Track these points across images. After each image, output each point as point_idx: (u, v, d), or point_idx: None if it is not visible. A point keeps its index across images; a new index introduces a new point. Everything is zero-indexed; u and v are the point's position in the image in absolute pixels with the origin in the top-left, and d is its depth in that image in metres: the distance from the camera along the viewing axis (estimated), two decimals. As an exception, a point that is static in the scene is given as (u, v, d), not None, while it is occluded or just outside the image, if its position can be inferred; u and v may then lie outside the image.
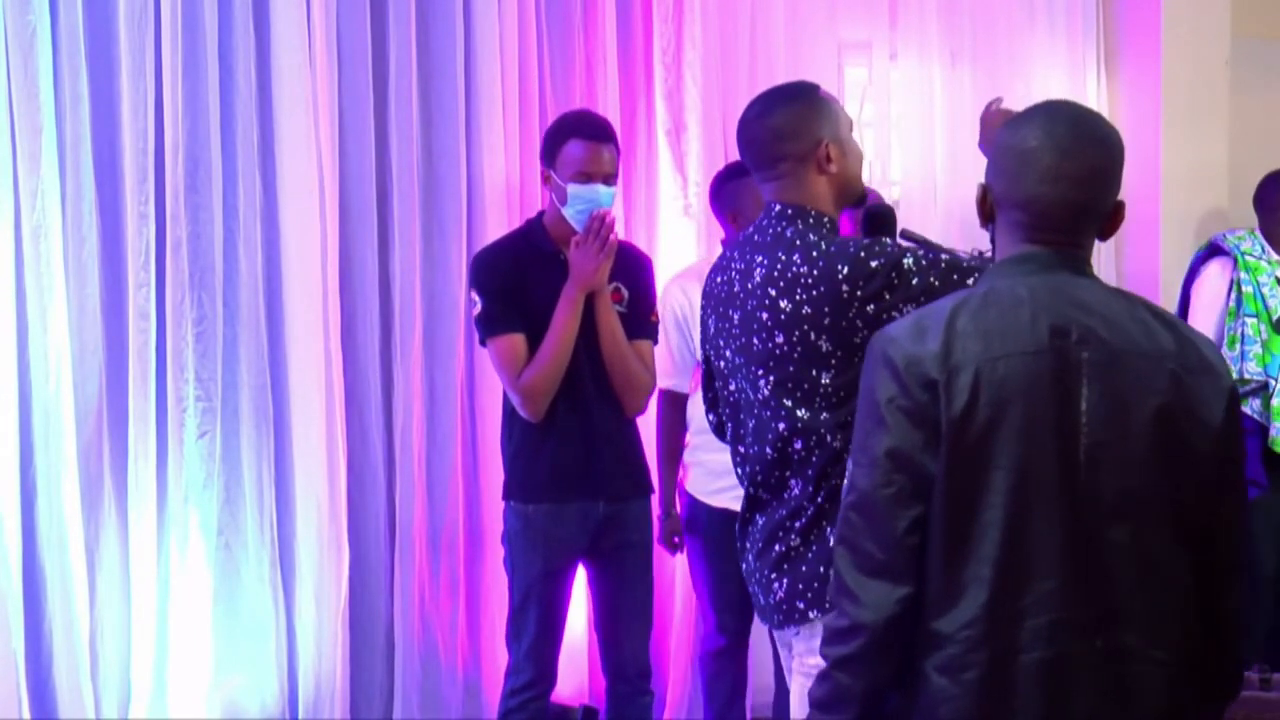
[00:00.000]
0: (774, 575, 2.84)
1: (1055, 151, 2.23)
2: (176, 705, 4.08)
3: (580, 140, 3.88)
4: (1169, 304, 5.30)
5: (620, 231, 4.72)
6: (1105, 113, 5.88)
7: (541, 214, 4.04)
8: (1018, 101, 3.07)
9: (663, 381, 4.30)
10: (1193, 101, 5.89)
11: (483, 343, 3.97)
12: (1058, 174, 2.23)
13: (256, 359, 4.19)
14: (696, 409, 4.27)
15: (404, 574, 4.40)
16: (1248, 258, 5.13)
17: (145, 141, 4.03)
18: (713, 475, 4.25)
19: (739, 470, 2.94)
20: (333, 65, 4.31)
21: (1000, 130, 2.32)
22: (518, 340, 3.88)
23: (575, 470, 3.93)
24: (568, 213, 3.89)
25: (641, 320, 4.05)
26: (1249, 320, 5.06)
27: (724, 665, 4.40)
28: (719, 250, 4.31)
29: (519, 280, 3.91)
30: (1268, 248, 5.20)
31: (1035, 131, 2.25)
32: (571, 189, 3.86)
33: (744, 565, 2.94)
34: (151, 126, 4.04)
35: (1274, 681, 4.86)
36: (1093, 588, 2.13)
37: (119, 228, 4.04)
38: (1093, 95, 5.85)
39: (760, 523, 2.86)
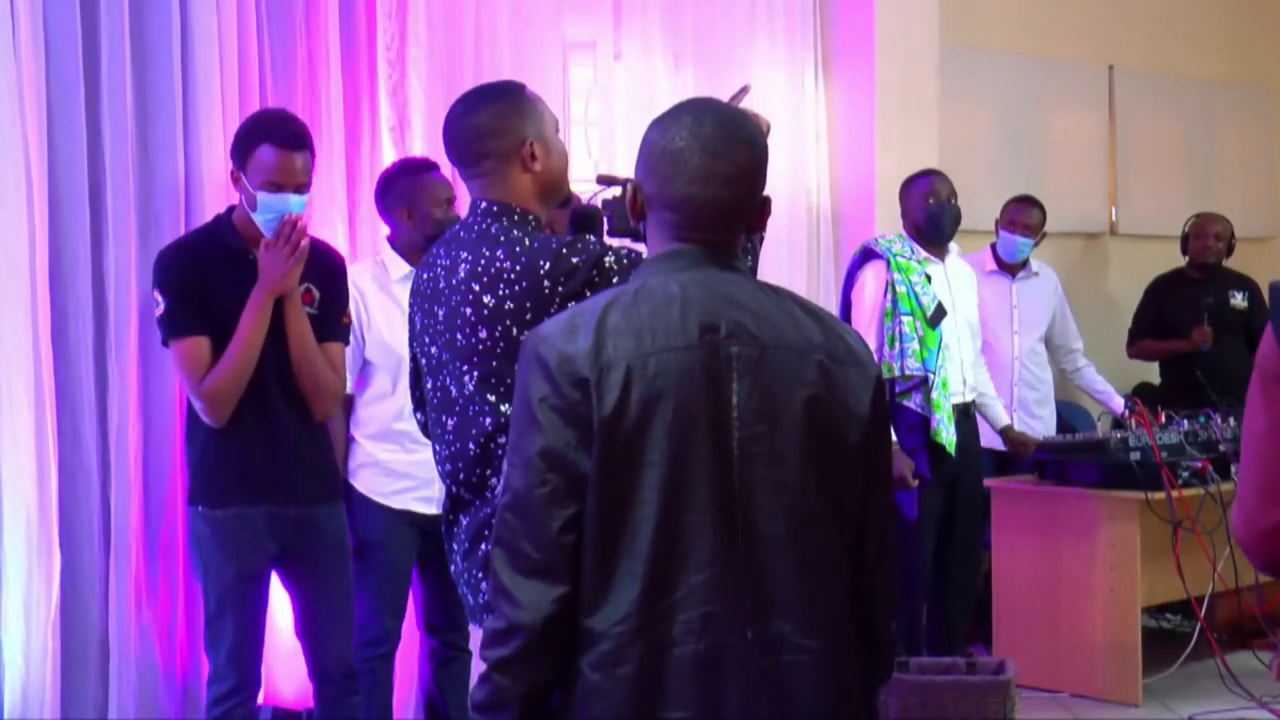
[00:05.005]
0: (482, 575, 2.85)
1: (704, 153, 2.26)
2: None
3: (273, 147, 3.80)
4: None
5: (341, 231, 4.71)
6: (823, 116, 6.07)
7: (232, 209, 3.95)
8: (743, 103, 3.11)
9: None
10: (905, 106, 6.11)
11: (165, 344, 3.89)
12: (707, 175, 2.26)
13: (-42, 359, 4.03)
14: (369, 410, 4.31)
15: (119, 579, 4.28)
16: (899, 259, 5.36)
17: None
18: (391, 475, 4.26)
19: (441, 469, 2.94)
20: (40, 54, 4.16)
21: (649, 129, 2.34)
22: (201, 343, 3.81)
23: (261, 474, 3.87)
24: (257, 219, 3.82)
25: (332, 322, 4.01)
26: (905, 319, 5.30)
27: (385, 670, 4.36)
28: (387, 249, 4.37)
29: (203, 280, 3.83)
30: (916, 248, 5.43)
31: (683, 132, 2.28)
32: (262, 197, 3.79)
33: (452, 567, 2.95)
34: None
35: (980, 665, 5.11)
36: (746, 579, 2.16)
37: None
38: (810, 99, 6.01)
39: (465, 523, 2.87)
